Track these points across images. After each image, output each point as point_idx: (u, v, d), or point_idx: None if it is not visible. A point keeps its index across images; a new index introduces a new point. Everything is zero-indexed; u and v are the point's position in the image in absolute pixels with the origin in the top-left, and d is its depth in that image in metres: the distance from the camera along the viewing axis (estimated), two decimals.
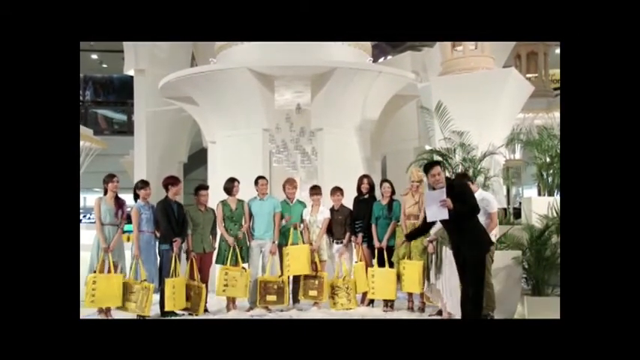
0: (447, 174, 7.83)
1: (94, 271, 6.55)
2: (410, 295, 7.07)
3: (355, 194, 7.47)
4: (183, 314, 6.94)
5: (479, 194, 6.32)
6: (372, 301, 7.24)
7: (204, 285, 7.00)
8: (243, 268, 7.13)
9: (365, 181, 7.39)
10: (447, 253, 6.04)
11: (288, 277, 7.26)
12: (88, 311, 7.06)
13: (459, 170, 7.65)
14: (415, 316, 6.82)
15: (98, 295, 6.46)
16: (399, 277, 6.86)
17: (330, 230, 7.36)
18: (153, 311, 6.90)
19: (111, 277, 6.53)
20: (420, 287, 6.72)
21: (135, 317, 6.69)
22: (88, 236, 6.63)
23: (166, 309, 6.67)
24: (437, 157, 8.18)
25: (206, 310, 7.10)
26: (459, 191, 5.19)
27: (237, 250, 7.12)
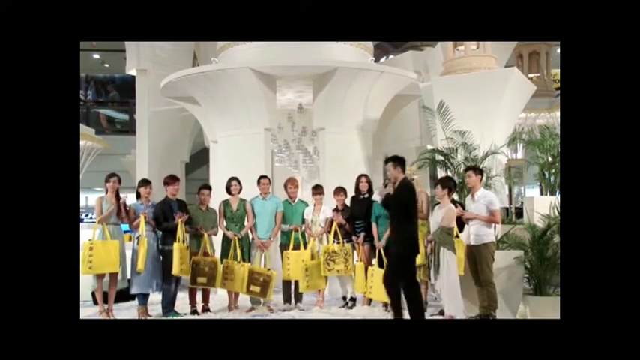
0: (449, 173, 7.85)
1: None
2: None
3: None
4: (185, 314, 6.95)
5: (482, 193, 6.33)
6: (371, 300, 7.22)
7: (218, 259, 7.06)
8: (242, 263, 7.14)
9: (363, 179, 7.37)
10: (445, 255, 6.05)
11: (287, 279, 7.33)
12: (88, 311, 7.09)
13: (461, 170, 7.63)
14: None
15: (95, 262, 6.42)
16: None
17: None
18: (155, 311, 6.92)
19: (107, 243, 6.51)
20: None
21: (135, 317, 6.71)
22: (89, 236, 6.63)
23: (173, 272, 6.63)
24: (439, 157, 8.18)
25: (208, 310, 7.13)
26: (397, 191, 5.76)
27: (238, 247, 7.12)
